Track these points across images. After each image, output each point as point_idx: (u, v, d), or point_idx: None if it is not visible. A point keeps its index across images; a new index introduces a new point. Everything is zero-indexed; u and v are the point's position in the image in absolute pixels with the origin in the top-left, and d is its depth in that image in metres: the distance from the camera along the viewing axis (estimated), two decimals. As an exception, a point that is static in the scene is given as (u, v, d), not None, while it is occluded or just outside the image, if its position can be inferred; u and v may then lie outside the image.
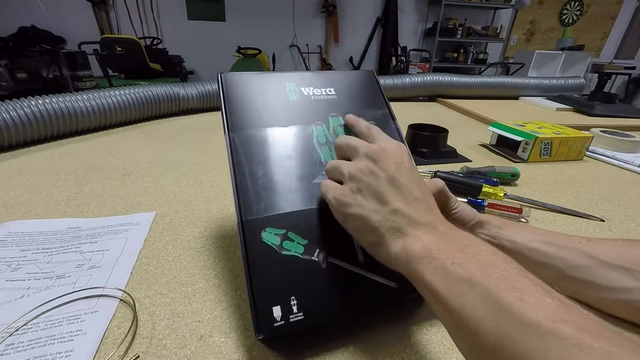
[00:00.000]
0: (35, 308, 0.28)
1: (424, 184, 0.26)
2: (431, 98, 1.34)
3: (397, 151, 0.26)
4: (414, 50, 3.71)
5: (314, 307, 0.25)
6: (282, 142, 0.31)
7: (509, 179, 0.57)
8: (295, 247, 0.27)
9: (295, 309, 0.24)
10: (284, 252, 0.26)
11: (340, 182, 0.27)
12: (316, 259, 0.27)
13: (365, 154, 0.26)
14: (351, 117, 0.32)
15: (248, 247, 0.26)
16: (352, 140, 0.28)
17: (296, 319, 0.24)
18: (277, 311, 0.24)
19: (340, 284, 0.26)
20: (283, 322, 0.24)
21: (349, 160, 0.28)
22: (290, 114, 0.33)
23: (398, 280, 0.27)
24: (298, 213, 0.28)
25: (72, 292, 0.30)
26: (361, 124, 0.31)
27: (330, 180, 0.28)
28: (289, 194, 0.29)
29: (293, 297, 0.25)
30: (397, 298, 0.27)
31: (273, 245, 0.26)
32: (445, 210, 0.32)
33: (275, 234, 0.27)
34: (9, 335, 0.26)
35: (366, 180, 0.25)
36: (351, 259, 0.27)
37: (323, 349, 0.26)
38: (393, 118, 0.36)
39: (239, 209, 0.27)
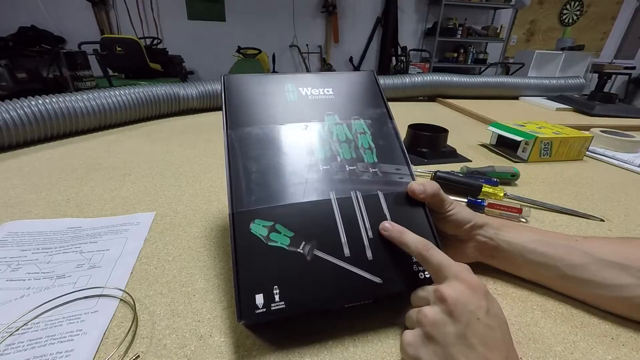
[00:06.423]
0: (35, 308, 0.28)
1: (503, 340, 0.22)
2: (431, 98, 1.34)
3: (469, 298, 0.23)
4: (414, 50, 3.71)
5: (295, 297, 0.26)
6: (277, 139, 0.32)
7: (509, 179, 0.57)
8: (281, 239, 0.27)
9: (277, 297, 0.25)
10: (270, 243, 0.27)
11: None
12: (301, 251, 0.27)
13: (434, 299, 0.24)
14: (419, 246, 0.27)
15: (237, 237, 0.27)
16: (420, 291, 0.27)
17: (277, 307, 0.25)
18: (259, 299, 0.25)
19: (324, 277, 0.27)
20: (264, 309, 0.25)
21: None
22: (287, 112, 0.34)
23: (383, 276, 0.27)
24: (287, 207, 0.29)
25: (72, 292, 0.30)
26: (432, 257, 0.26)
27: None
28: (280, 188, 0.30)
29: (276, 287, 0.26)
30: (381, 294, 0.27)
31: (260, 236, 0.27)
32: (440, 212, 0.32)
33: (263, 226, 0.28)
34: (9, 335, 0.26)
35: (432, 332, 0.23)
36: (337, 253, 0.28)
37: (323, 349, 0.26)
38: (391, 118, 0.37)
39: (230, 201, 0.28)
